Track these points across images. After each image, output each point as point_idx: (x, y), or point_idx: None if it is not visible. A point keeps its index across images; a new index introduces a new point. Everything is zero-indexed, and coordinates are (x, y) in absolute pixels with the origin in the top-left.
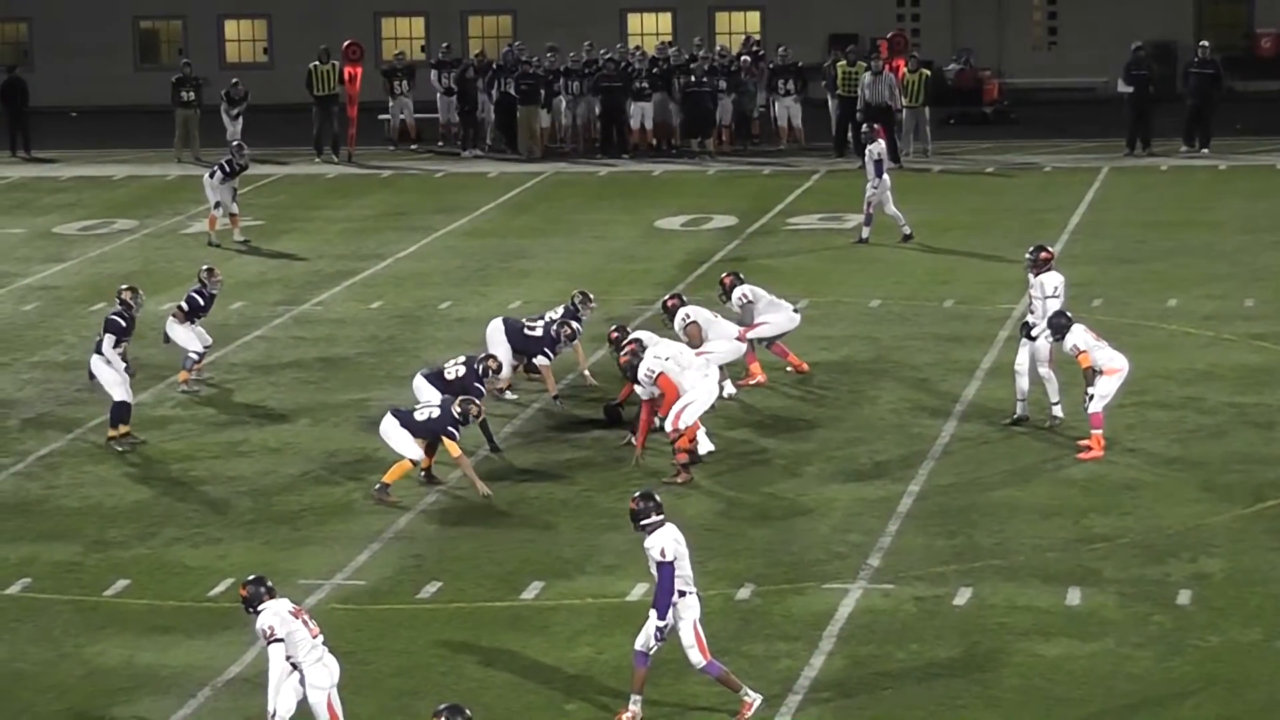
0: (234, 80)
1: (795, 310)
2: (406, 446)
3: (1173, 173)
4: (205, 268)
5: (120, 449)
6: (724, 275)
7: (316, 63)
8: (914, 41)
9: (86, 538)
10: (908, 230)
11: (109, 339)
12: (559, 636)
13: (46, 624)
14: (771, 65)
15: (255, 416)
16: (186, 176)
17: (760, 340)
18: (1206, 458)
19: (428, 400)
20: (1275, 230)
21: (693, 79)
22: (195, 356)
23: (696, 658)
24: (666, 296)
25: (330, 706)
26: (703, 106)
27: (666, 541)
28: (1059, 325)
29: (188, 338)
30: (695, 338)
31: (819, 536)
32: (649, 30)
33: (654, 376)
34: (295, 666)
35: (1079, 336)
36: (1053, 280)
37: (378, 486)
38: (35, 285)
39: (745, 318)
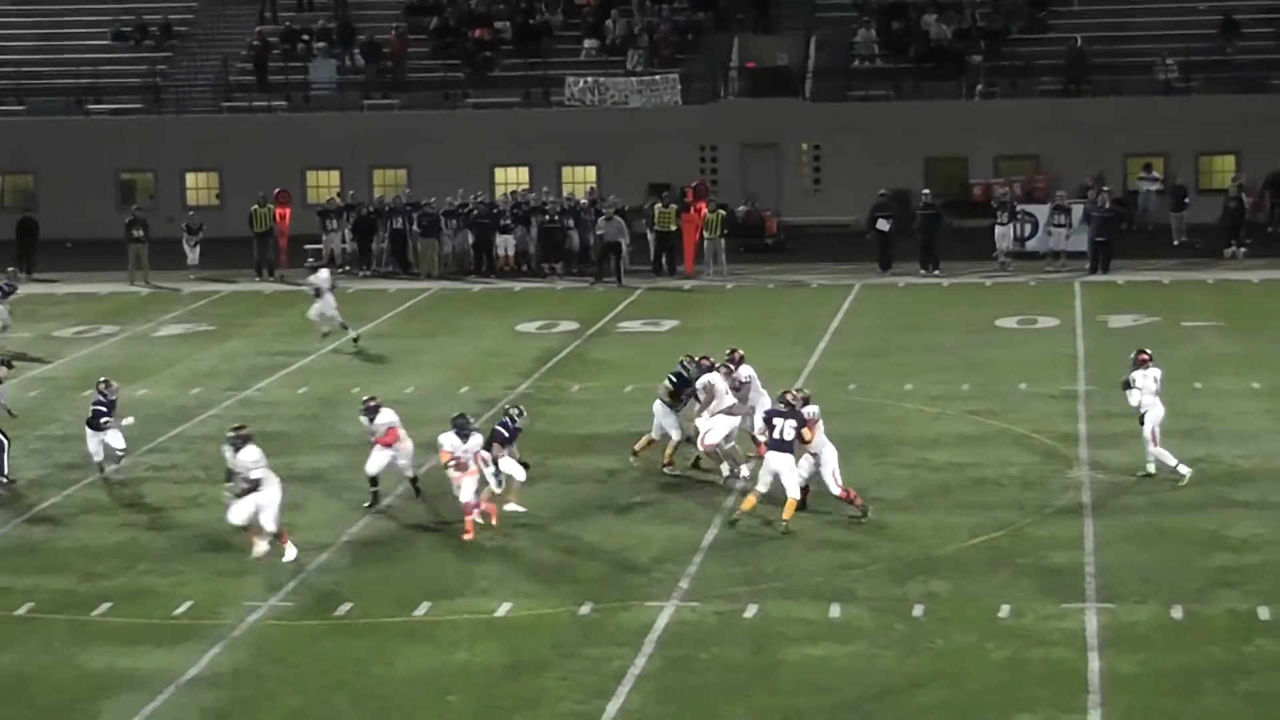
0: (190, 212)
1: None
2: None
3: (909, 289)
4: (102, 379)
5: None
6: (734, 350)
7: (256, 205)
8: (713, 188)
9: (78, 571)
10: (327, 330)
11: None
12: (443, 644)
13: (47, 637)
14: (604, 209)
15: (210, 476)
16: (153, 294)
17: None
18: (935, 504)
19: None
20: (985, 331)
21: (547, 218)
22: (119, 453)
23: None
24: (733, 349)
25: None
26: (555, 239)
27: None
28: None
29: (96, 448)
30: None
31: (642, 565)
32: (511, 181)
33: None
34: None
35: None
36: (1151, 374)
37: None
38: (39, 376)
39: (741, 395)
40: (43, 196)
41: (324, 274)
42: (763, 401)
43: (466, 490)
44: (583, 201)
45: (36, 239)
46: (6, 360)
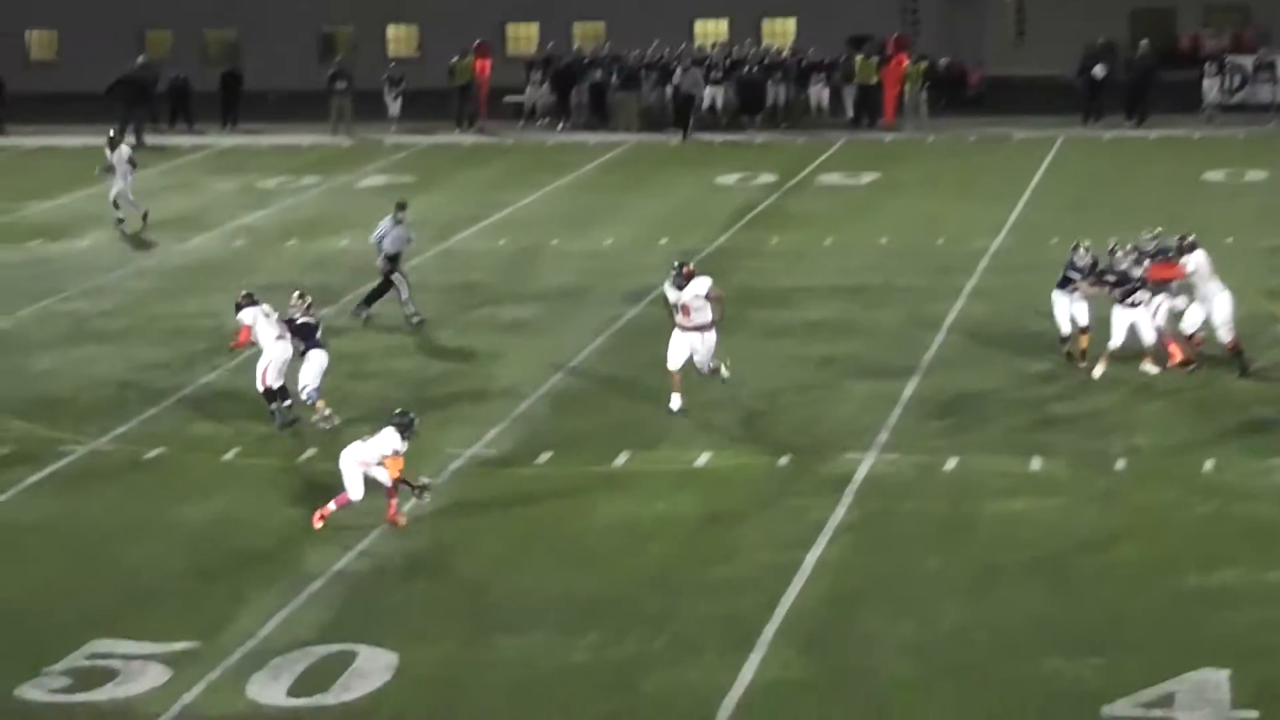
0: (392, 63)
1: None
2: None
3: (1114, 142)
4: (296, 293)
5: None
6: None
7: (456, 58)
8: (915, 40)
9: None
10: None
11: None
12: (642, 494)
13: (254, 483)
14: (805, 61)
15: (413, 326)
16: (354, 147)
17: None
18: (1129, 357)
19: None
20: (1191, 186)
21: (747, 70)
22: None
23: None
24: (1183, 235)
25: None
26: (756, 92)
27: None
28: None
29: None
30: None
31: (841, 418)
32: (710, 33)
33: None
34: None
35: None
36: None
37: None
38: (242, 226)
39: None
40: (245, 50)
41: (125, 150)
42: (1220, 298)
43: None
44: (784, 55)
45: (240, 92)
46: (402, 203)
